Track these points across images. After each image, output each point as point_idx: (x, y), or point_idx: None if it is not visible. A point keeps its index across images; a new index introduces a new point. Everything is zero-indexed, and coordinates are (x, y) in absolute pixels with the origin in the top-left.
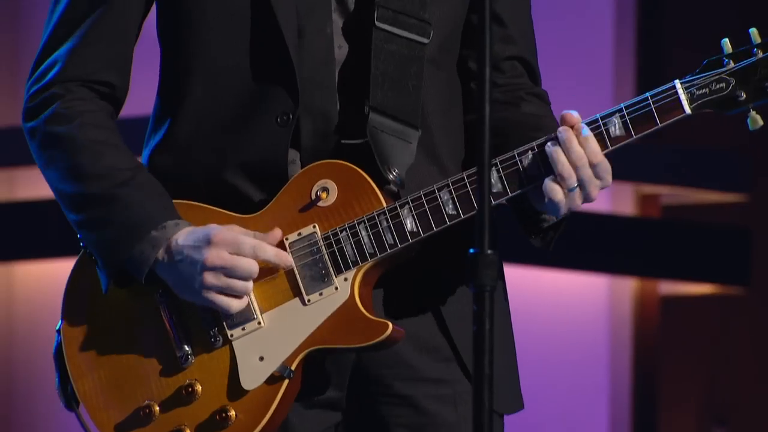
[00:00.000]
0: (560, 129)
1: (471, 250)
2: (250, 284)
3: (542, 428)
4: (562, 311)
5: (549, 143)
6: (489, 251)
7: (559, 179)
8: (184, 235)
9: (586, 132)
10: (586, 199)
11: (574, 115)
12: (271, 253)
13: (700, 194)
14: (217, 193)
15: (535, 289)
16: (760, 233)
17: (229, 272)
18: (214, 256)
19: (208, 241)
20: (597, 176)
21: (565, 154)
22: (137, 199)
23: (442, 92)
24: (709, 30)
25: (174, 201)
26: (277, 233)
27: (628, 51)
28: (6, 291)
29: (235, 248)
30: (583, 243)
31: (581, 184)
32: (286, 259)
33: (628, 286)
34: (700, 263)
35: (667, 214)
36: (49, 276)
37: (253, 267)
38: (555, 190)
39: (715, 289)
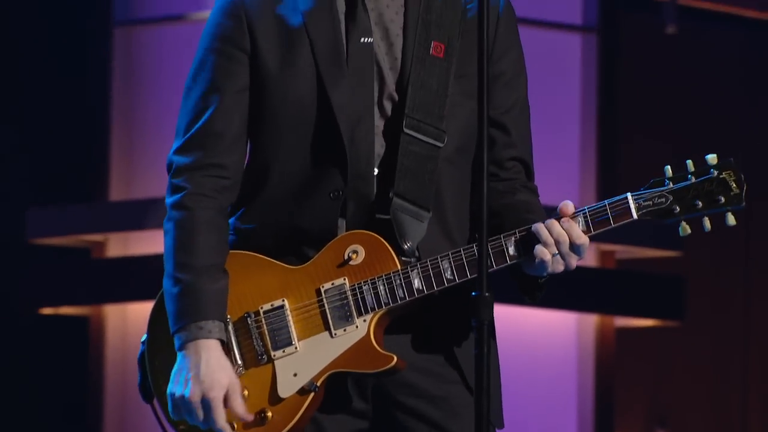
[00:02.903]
0: (548, 222)
1: (473, 293)
2: (193, 422)
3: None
4: (542, 340)
5: (538, 223)
6: (487, 293)
7: (544, 245)
8: (213, 356)
9: (576, 220)
10: (567, 267)
11: (569, 204)
12: (238, 411)
13: (646, 251)
14: (280, 248)
15: (520, 323)
16: (690, 280)
17: (189, 410)
18: (194, 398)
19: (211, 387)
20: (576, 253)
21: (548, 231)
22: (201, 297)
23: (456, 184)
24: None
25: (235, 251)
26: (249, 417)
27: (591, 147)
28: (122, 326)
29: (210, 407)
30: (558, 288)
31: (562, 255)
32: (244, 415)
33: (591, 321)
34: (646, 303)
35: (620, 265)
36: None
37: (198, 418)
38: (543, 252)
39: (657, 322)
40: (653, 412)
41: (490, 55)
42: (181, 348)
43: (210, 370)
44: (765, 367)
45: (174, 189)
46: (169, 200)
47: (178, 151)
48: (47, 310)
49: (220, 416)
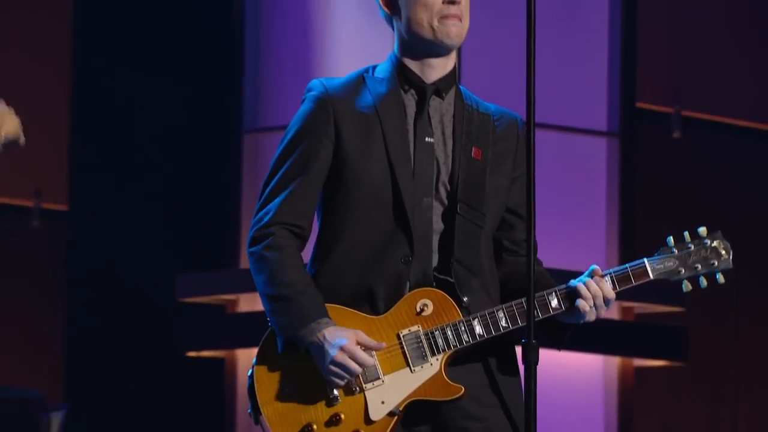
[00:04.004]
0: (585, 281)
1: (523, 340)
2: (348, 380)
3: None
4: (575, 376)
5: (581, 282)
6: (533, 341)
7: (585, 299)
8: (329, 332)
9: (605, 280)
10: (597, 316)
11: (598, 268)
12: (367, 361)
13: (657, 307)
14: (356, 301)
15: (558, 362)
16: (692, 330)
17: (343, 368)
18: (339, 357)
19: (340, 347)
20: (606, 306)
21: (587, 288)
22: (305, 303)
23: (489, 254)
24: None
25: (327, 305)
26: (383, 345)
27: (614, 225)
28: (249, 365)
29: (351, 355)
30: (588, 335)
31: (596, 307)
32: (367, 360)
33: (615, 362)
34: (657, 347)
35: (637, 318)
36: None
37: (354, 371)
38: (584, 305)
39: (666, 363)
40: (665, 430)
41: (514, 162)
42: (306, 348)
43: (333, 336)
44: (752, 397)
45: (261, 237)
46: (256, 247)
47: (268, 210)
48: (192, 354)
49: (360, 354)
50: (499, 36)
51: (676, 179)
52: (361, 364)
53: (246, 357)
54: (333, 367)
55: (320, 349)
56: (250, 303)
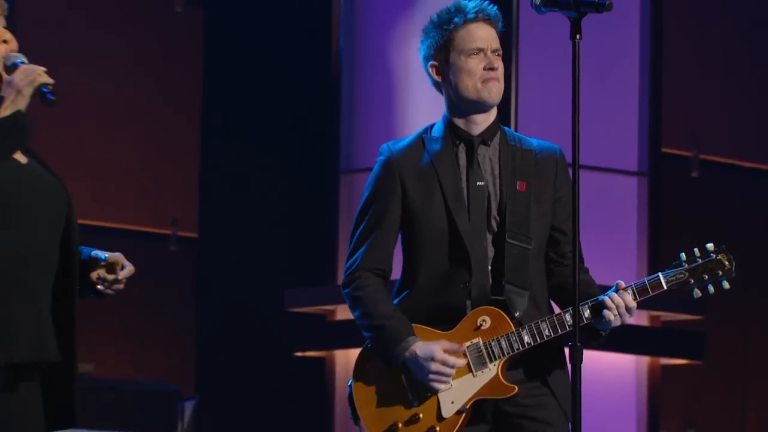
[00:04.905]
0: (610, 294)
1: (570, 343)
2: (448, 380)
3: None
4: (612, 372)
5: (607, 295)
6: (579, 344)
7: (609, 309)
8: (419, 348)
9: (627, 292)
10: (622, 323)
11: (622, 282)
12: (453, 362)
13: (679, 315)
14: (430, 320)
15: (599, 361)
16: (709, 334)
17: (440, 374)
18: (434, 366)
19: (432, 357)
20: (629, 313)
21: (612, 300)
22: (395, 327)
23: (538, 271)
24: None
25: (413, 325)
26: (460, 348)
27: (644, 247)
28: (346, 363)
29: (443, 362)
30: (623, 339)
31: (620, 315)
32: (458, 362)
33: (645, 360)
34: (680, 349)
35: (663, 324)
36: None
37: (450, 373)
38: (609, 314)
39: (688, 361)
40: (686, 419)
41: (555, 186)
42: (404, 365)
43: (423, 351)
44: (759, 387)
45: (352, 281)
46: (348, 289)
47: (355, 259)
48: (298, 354)
49: (450, 359)
50: (550, 92)
51: (694, 211)
52: (452, 367)
53: (342, 356)
54: (432, 375)
55: (415, 362)
56: (345, 313)
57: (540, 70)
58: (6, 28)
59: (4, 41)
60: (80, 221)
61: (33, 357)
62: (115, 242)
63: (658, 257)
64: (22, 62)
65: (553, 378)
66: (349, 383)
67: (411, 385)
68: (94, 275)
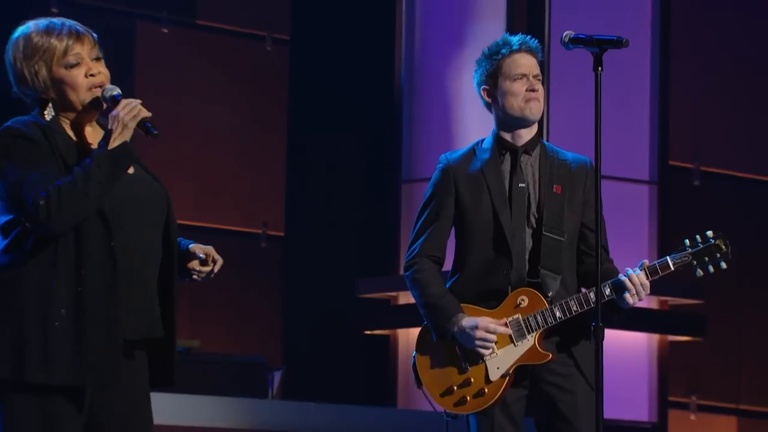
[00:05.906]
0: (629, 274)
1: (593, 323)
2: (492, 345)
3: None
4: (629, 347)
5: (626, 275)
6: (600, 323)
7: (628, 289)
8: (465, 321)
9: (638, 271)
10: (639, 299)
11: (646, 261)
12: (498, 330)
13: (684, 300)
14: (478, 300)
15: (618, 338)
16: (709, 315)
17: (485, 340)
18: (480, 334)
19: (476, 326)
20: (644, 290)
21: (629, 280)
22: (446, 305)
23: (569, 259)
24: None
25: (462, 304)
26: (503, 321)
27: (654, 246)
28: (407, 340)
29: (486, 329)
30: (639, 319)
31: (637, 293)
32: (504, 330)
33: (656, 337)
34: (685, 327)
35: (672, 308)
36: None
37: (492, 339)
38: (630, 288)
39: (691, 338)
40: (690, 386)
41: (585, 190)
42: (452, 337)
43: (468, 322)
44: (750, 358)
45: (411, 265)
46: (409, 272)
47: (415, 247)
48: (368, 332)
49: (493, 326)
50: (576, 114)
51: (697, 216)
52: (494, 334)
53: (404, 334)
54: (478, 341)
55: (463, 333)
56: (407, 298)
57: (567, 97)
58: (99, 59)
59: (99, 73)
60: (188, 222)
61: (144, 334)
62: (217, 240)
63: (665, 250)
64: (119, 94)
65: (578, 351)
66: (413, 354)
67: (463, 354)
68: (190, 265)
